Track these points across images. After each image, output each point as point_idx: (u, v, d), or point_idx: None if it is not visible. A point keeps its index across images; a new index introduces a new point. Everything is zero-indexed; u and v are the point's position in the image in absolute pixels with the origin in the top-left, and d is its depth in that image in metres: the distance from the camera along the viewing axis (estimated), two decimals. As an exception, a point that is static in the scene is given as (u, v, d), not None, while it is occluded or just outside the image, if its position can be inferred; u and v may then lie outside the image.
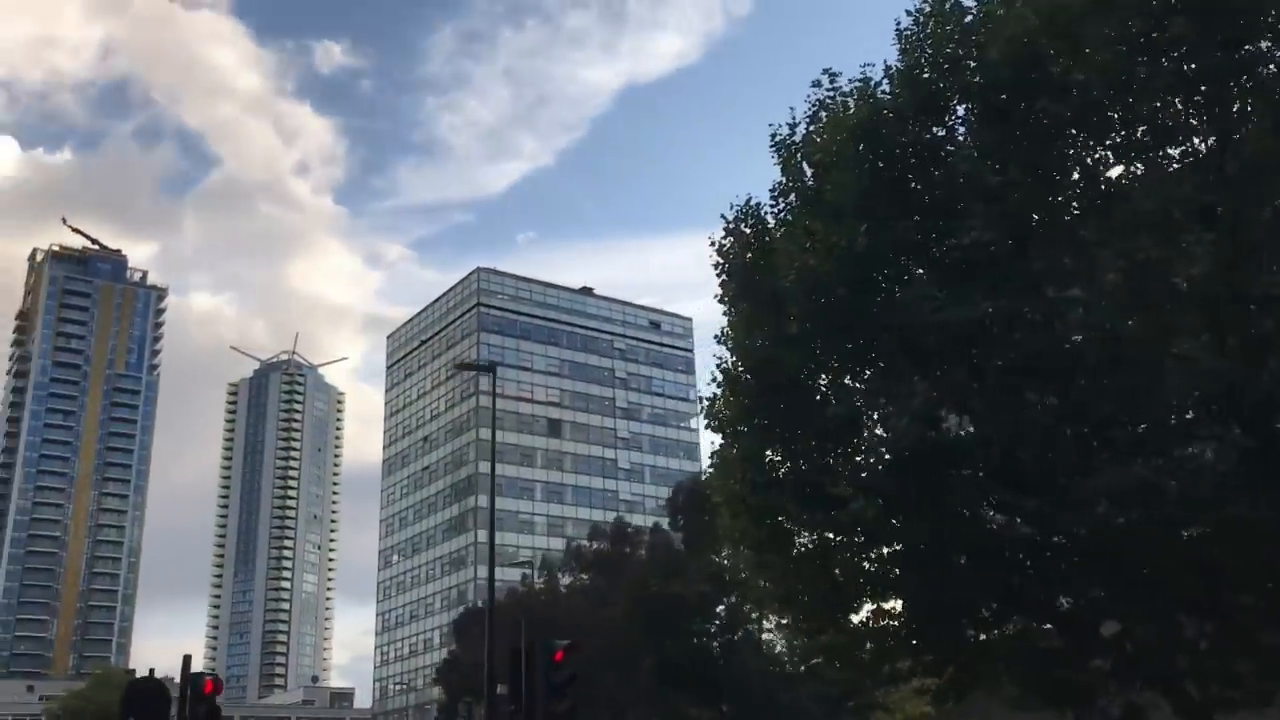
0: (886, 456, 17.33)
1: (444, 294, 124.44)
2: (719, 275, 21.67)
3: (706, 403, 22.24)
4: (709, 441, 23.05)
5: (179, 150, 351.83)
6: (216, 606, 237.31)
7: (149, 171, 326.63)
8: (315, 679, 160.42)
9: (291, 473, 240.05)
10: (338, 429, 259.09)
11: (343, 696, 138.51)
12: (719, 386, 22.65)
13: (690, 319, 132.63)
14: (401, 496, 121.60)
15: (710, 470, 22.42)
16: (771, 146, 21.00)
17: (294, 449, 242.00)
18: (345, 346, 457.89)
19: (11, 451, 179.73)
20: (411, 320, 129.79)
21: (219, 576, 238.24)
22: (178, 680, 20.77)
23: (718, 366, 22.36)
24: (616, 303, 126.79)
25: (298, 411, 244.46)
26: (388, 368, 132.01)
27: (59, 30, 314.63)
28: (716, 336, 23.02)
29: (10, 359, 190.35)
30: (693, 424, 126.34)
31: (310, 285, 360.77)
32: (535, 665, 16.09)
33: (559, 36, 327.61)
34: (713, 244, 21.47)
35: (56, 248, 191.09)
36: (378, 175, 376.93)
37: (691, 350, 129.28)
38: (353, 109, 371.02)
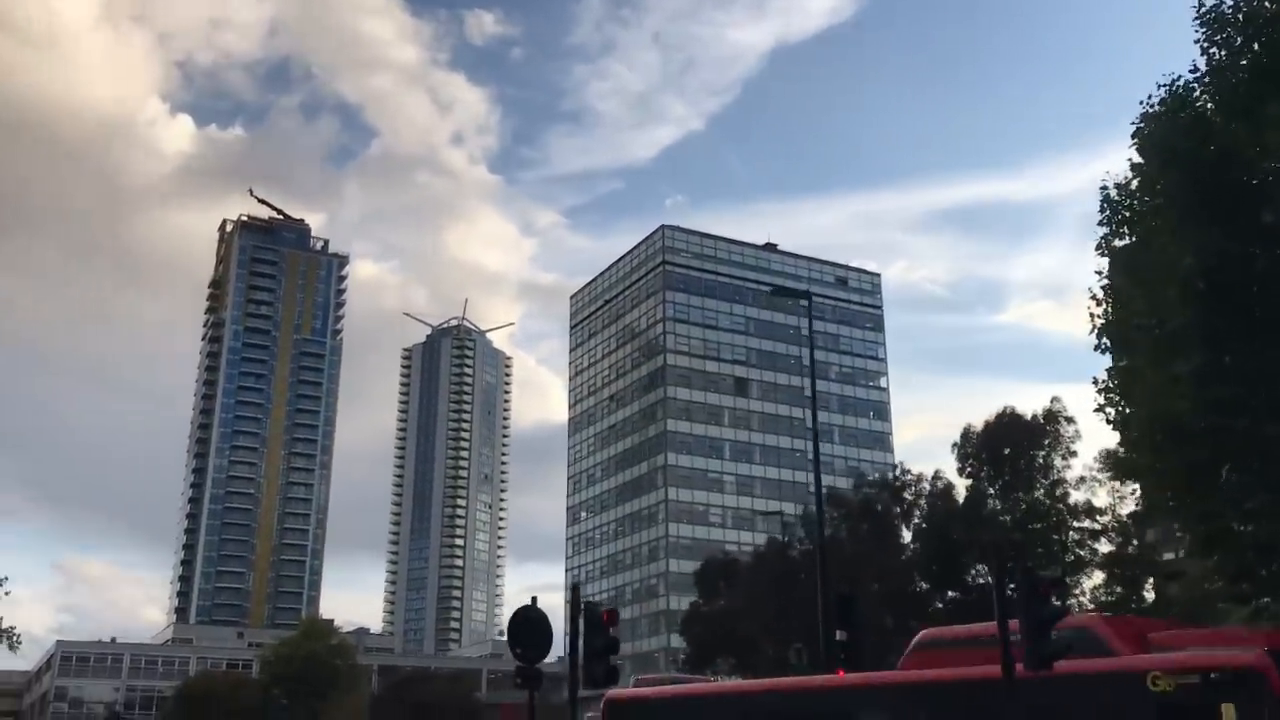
0: None
1: (627, 252, 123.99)
2: (1137, 173, 19.36)
3: (1100, 321, 20.12)
4: (1102, 375, 20.71)
5: (340, 123, 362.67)
6: (394, 563, 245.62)
7: (313, 144, 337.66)
8: (502, 633, 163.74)
9: (464, 435, 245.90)
10: (505, 392, 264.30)
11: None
12: (1100, 304, 20.52)
13: (878, 274, 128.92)
14: (588, 454, 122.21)
15: (1107, 394, 20.11)
16: (1196, 20, 18.59)
17: (465, 412, 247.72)
18: (502, 312, 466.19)
19: (208, 413, 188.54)
20: (594, 280, 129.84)
21: (396, 534, 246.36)
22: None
23: (1106, 292, 20.19)
24: (801, 258, 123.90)
25: (468, 375, 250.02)
26: (571, 328, 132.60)
27: (229, 12, 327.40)
28: (1099, 248, 20.86)
29: (205, 325, 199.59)
30: (882, 382, 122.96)
31: (468, 253, 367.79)
32: (1027, 601, 14.12)
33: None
34: (1135, 137, 19.17)
35: (245, 218, 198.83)
36: (529, 144, 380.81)
37: (880, 307, 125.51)
38: (505, 78, 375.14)
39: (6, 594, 41.98)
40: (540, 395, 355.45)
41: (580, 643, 17.67)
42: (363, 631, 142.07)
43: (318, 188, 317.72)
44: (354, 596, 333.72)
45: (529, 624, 18.36)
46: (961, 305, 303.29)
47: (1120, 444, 20.64)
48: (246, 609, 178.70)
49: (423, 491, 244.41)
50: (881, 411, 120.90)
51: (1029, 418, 37.14)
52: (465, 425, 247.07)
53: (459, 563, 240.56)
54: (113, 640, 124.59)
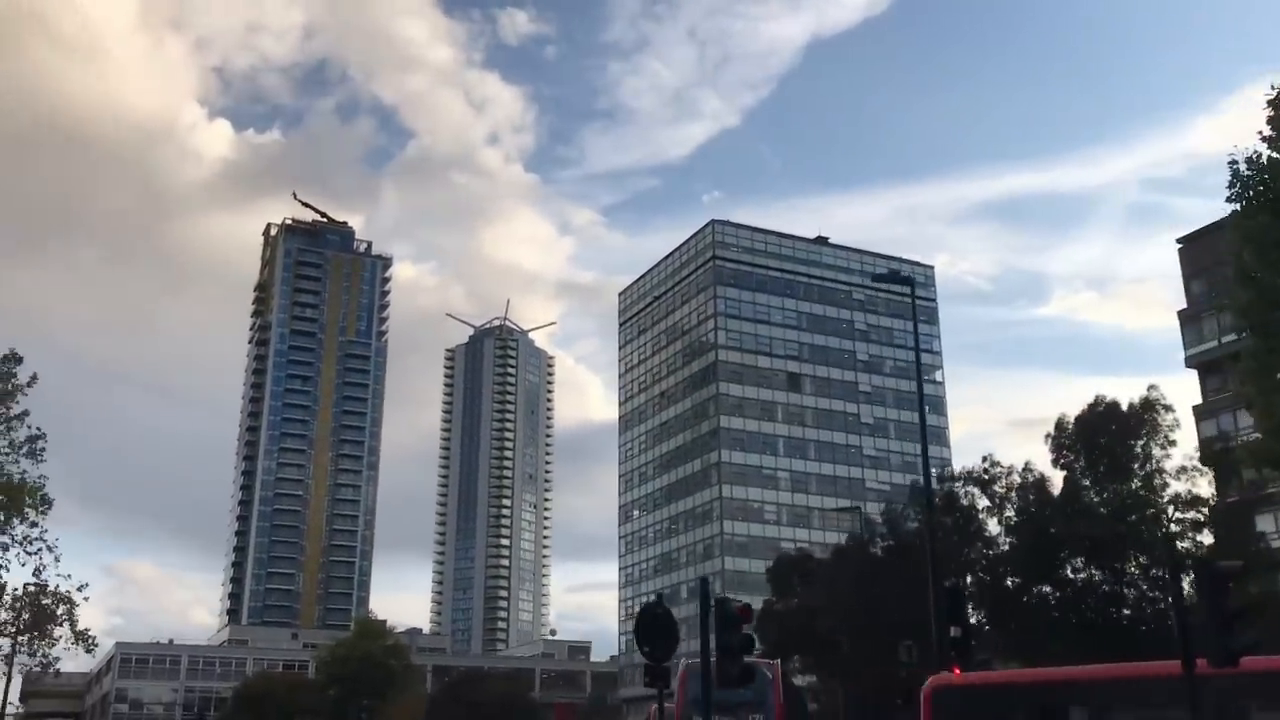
0: None
1: (677, 248, 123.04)
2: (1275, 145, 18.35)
3: (1237, 296, 19.13)
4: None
5: (376, 125, 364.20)
6: (440, 564, 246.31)
7: (349, 146, 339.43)
8: (553, 632, 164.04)
9: (508, 435, 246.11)
10: (548, 392, 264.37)
11: (579, 649, 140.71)
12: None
13: (932, 266, 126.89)
14: (640, 452, 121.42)
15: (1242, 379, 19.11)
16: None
17: (509, 412, 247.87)
18: (540, 311, 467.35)
19: (256, 415, 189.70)
20: (643, 276, 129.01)
21: (442, 535, 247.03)
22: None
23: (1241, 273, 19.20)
24: (854, 251, 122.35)
25: (511, 375, 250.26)
26: (620, 325, 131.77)
27: (264, 17, 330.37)
28: (1235, 225, 19.97)
29: (251, 329, 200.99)
30: (937, 376, 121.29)
31: (505, 253, 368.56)
32: (1210, 595, 13.21)
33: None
34: (1273, 105, 18.14)
35: (290, 221, 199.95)
36: (565, 143, 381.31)
37: (934, 300, 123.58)
38: (539, 77, 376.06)
39: (86, 599, 42.06)
40: (579, 394, 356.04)
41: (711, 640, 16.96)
42: (415, 632, 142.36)
43: (355, 190, 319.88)
44: (400, 597, 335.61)
45: (656, 622, 17.70)
46: (1004, 298, 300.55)
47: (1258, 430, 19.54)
48: (297, 610, 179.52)
49: (468, 492, 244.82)
50: (937, 405, 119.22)
51: (1125, 407, 36.02)
52: (509, 425, 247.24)
53: (505, 563, 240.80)
54: (170, 642, 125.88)
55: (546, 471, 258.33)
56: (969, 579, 38.35)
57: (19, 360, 34.54)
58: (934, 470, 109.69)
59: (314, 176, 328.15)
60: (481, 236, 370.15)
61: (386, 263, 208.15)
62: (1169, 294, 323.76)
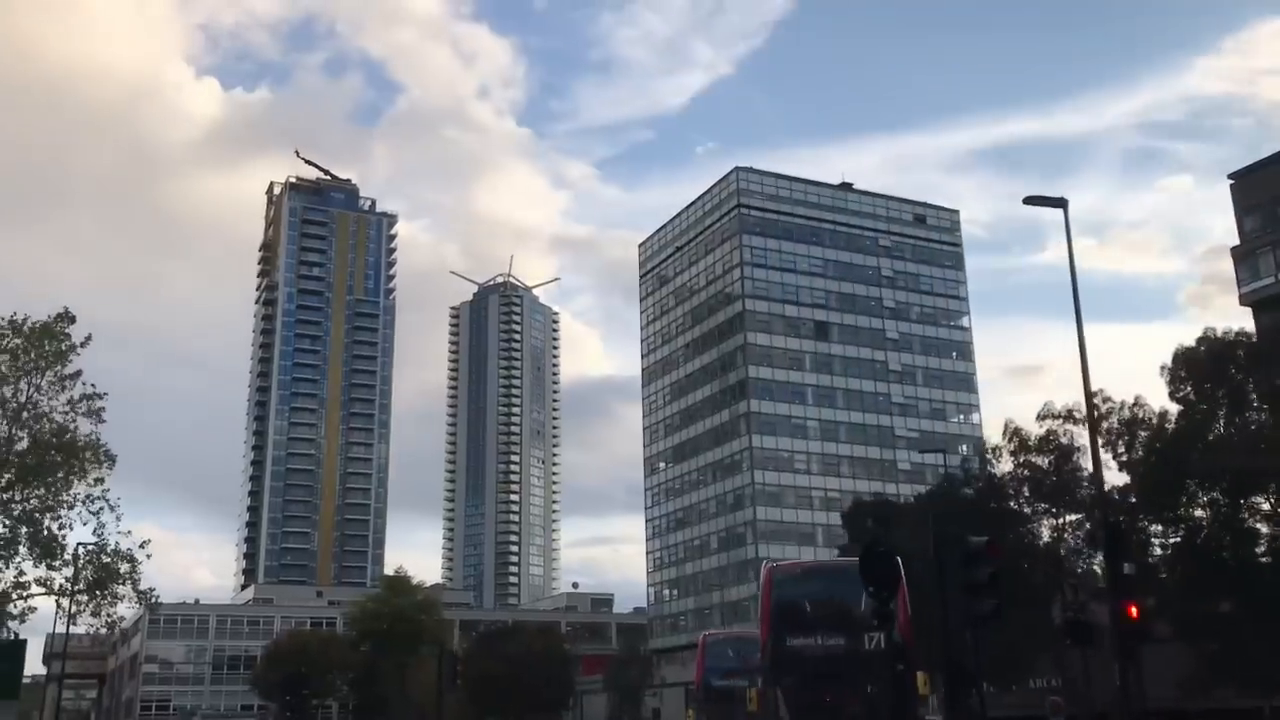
0: None
1: (699, 197, 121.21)
2: None
3: None
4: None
5: (364, 80, 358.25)
6: (451, 521, 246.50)
7: (338, 102, 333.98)
8: (575, 585, 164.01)
9: (515, 392, 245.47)
10: (554, 347, 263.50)
11: (602, 601, 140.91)
12: None
13: (957, 211, 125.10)
14: (665, 404, 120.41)
15: None
16: None
17: (515, 368, 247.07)
18: (535, 266, 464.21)
19: (266, 375, 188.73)
20: (664, 227, 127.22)
21: (451, 492, 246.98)
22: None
23: None
24: (879, 197, 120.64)
25: (516, 332, 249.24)
26: (641, 277, 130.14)
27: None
28: None
29: (258, 289, 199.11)
30: (964, 322, 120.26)
31: (499, 208, 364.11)
32: None
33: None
34: None
35: (294, 180, 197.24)
36: (557, 95, 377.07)
37: (959, 245, 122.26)
38: (529, 28, 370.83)
39: (149, 556, 41.17)
40: (576, 349, 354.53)
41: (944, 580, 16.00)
42: (439, 587, 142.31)
43: (345, 146, 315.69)
44: (411, 554, 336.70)
45: (880, 562, 16.66)
46: (1000, 246, 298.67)
47: None
48: (313, 569, 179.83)
49: (476, 449, 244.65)
50: (964, 351, 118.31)
51: (1245, 338, 34.96)
52: (516, 382, 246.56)
53: (515, 518, 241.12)
54: (196, 602, 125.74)
55: (554, 427, 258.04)
56: (1071, 518, 37.73)
57: (73, 319, 34.00)
58: (962, 416, 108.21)
59: (304, 134, 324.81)
60: (475, 192, 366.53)
61: (392, 220, 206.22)
62: (1167, 239, 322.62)
